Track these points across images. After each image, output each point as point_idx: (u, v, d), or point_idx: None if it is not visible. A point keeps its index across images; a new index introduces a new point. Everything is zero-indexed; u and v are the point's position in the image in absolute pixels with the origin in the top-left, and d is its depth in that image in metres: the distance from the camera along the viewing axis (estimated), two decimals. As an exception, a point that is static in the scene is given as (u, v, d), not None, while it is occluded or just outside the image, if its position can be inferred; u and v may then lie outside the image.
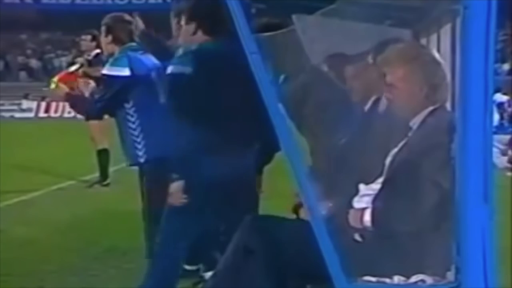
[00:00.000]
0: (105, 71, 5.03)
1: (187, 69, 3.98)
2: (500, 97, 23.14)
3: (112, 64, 5.03)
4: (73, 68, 10.62)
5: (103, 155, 10.67)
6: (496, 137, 14.91)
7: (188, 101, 3.94)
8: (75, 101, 5.25)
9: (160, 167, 4.55)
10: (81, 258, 6.08)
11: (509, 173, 11.38)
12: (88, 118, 5.41)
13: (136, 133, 4.99)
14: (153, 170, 4.95)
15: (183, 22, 4.17)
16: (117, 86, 4.96)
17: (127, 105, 5.00)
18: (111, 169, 10.98)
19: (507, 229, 5.34)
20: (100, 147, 10.62)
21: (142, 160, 4.97)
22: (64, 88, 5.39)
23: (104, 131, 10.71)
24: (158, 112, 4.60)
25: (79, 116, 10.05)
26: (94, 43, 10.54)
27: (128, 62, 5.00)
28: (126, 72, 4.95)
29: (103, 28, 5.19)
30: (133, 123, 5.02)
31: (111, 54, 5.19)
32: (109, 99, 5.00)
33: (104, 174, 10.69)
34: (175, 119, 4.06)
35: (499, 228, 2.86)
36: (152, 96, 4.89)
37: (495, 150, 11.73)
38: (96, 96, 5.10)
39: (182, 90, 3.97)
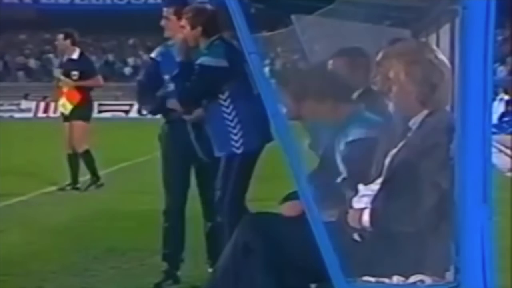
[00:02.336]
0: (201, 61, 4.97)
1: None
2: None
3: (209, 55, 4.97)
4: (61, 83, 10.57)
5: (88, 156, 10.45)
6: (496, 137, 14.91)
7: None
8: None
9: (256, 157, 4.82)
10: (80, 259, 6.08)
11: (508, 174, 11.33)
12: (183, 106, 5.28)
13: (232, 124, 4.94)
14: (249, 161, 4.94)
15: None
16: (213, 77, 4.93)
17: (221, 96, 4.96)
18: (109, 170, 11.00)
19: (507, 230, 5.33)
20: (82, 150, 10.39)
21: (238, 151, 4.90)
22: None
23: (87, 133, 10.58)
24: (254, 102, 4.50)
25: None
26: (68, 41, 10.43)
27: (225, 52, 4.96)
28: (224, 63, 4.93)
29: (187, 21, 5.10)
30: (229, 114, 4.96)
31: (195, 47, 5.13)
32: (204, 90, 4.97)
33: (96, 175, 10.52)
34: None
35: (499, 229, 2.85)
36: (248, 86, 4.79)
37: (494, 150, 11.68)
38: (192, 87, 4.98)
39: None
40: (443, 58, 3.07)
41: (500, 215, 2.89)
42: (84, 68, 10.38)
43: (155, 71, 5.46)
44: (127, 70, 40.26)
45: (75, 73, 10.20)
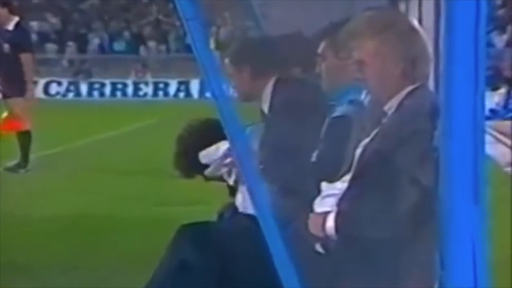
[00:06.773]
0: None
1: None
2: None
3: None
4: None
5: (25, 138, 10.44)
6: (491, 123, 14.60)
7: None
8: None
9: None
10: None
11: (508, 169, 10.90)
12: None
13: None
14: None
15: None
16: None
17: None
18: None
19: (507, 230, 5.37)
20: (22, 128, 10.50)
21: None
22: None
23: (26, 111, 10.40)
24: None
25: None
26: (5, 10, 10.32)
27: None
28: None
29: None
30: None
31: None
32: None
33: (25, 159, 10.42)
34: None
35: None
36: None
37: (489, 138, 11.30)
38: None
39: None
40: (424, 27, 2.90)
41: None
42: (17, 41, 10.20)
43: None
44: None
45: (6, 46, 10.13)
